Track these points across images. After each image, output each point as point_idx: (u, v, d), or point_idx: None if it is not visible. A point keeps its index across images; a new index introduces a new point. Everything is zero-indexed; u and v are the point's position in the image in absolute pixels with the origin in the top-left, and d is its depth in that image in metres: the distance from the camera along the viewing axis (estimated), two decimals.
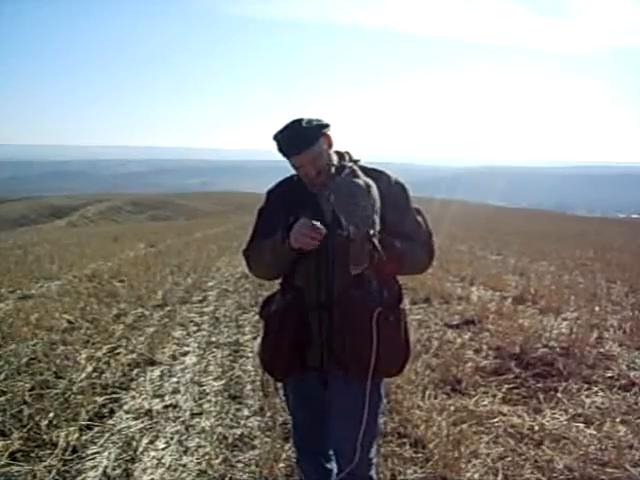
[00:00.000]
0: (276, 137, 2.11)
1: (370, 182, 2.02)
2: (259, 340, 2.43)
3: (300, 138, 2.06)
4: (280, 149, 2.11)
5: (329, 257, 2.11)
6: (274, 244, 2.09)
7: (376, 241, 1.90)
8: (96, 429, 3.69)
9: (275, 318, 2.23)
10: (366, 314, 2.05)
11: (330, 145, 2.15)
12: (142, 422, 3.82)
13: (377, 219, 1.95)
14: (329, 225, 2.02)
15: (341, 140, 2.19)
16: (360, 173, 2.04)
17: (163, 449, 3.45)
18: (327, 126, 2.12)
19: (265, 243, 2.16)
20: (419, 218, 2.22)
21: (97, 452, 3.39)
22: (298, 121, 2.08)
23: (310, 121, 2.08)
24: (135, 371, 4.82)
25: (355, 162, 2.13)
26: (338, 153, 2.19)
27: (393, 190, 2.17)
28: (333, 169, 2.10)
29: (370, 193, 1.98)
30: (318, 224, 1.95)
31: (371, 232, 1.90)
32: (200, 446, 3.49)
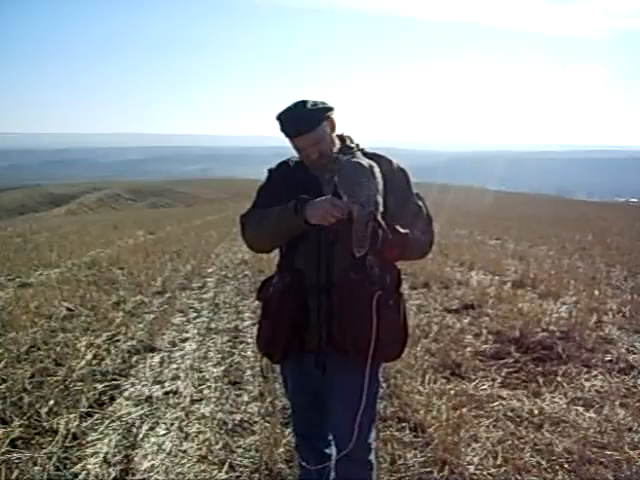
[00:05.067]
0: (279, 117, 2.08)
1: (373, 163, 2.01)
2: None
3: (303, 120, 2.04)
4: (282, 129, 2.08)
5: (329, 240, 2.10)
6: (283, 214, 2.05)
7: (381, 220, 1.88)
8: (96, 416, 3.69)
9: (273, 300, 2.21)
10: (365, 298, 2.04)
11: (333, 128, 2.13)
12: (142, 409, 3.82)
13: (380, 199, 1.93)
14: None
15: (342, 125, 2.17)
16: (362, 156, 2.03)
17: (163, 435, 3.46)
18: (331, 109, 2.10)
19: (271, 210, 2.10)
20: (420, 203, 2.20)
21: (97, 439, 3.39)
22: (302, 102, 2.06)
23: (315, 103, 2.06)
24: (135, 358, 4.82)
25: (357, 146, 2.13)
26: (340, 137, 2.17)
27: (395, 175, 2.15)
28: (336, 152, 2.09)
29: (373, 174, 1.97)
30: (341, 202, 1.93)
31: (376, 212, 1.89)
32: (200, 432, 3.49)
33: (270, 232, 2.13)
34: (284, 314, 2.16)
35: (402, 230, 1.98)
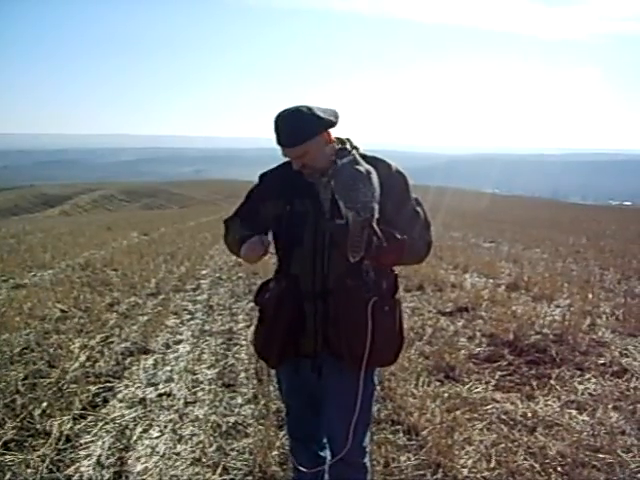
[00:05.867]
0: (276, 119, 2.04)
1: (371, 169, 1.99)
2: (253, 327, 2.43)
3: (294, 133, 2.00)
4: (275, 133, 2.06)
5: (325, 246, 2.09)
6: (239, 242, 2.20)
7: (376, 227, 1.88)
8: (90, 418, 3.68)
9: (270, 305, 2.21)
10: (361, 304, 2.03)
11: (328, 142, 2.08)
12: (136, 411, 3.81)
13: (376, 206, 1.92)
14: (327, 213, 2.01)
15: (340, 127, 2.12)
16: (361, 160, 2.02)
17: (157, 438, 3.45)
18: (330, 125, 2.05)
19: (239, 232, 2.24)
20: (418, 208, 2.17)
21: (91, 441, 3.38)
22: (301, 112, 2.00)
23: (313, 115, 2.00)
24: (128, 360, 4.81)
25: (356, 149, 2.09)
26: (339, 140, 2.14)
27: (393, 179, 2.12)
28: (332, 158, 2.07)
29: (371, 180, 1.95)
30: (266, 239, 2.12)
31: (371, 218, 1.88)
32: (194, 434, 3.49)
33: (236, 252, 2.28)
34: (280, 319, 2.16)
35: (399, 236, 1.97)
